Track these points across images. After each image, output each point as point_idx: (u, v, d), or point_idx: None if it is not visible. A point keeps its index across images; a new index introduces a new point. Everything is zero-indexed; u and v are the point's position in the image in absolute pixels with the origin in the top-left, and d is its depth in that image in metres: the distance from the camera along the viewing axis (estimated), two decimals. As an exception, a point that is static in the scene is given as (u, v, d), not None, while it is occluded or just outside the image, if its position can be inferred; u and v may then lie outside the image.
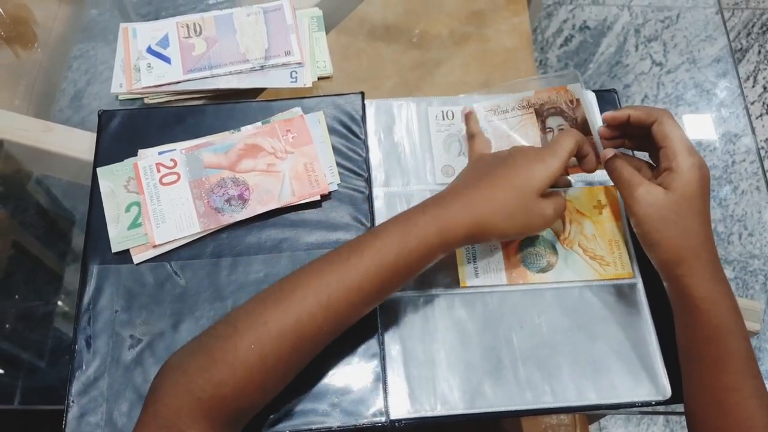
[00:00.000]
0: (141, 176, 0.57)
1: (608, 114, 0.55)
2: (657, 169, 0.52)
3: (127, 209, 0.57)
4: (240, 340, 0.43)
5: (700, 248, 0.49)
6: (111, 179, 0.58)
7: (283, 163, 0.58)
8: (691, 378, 0.49)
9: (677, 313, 0.50)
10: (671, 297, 0.51)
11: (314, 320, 0.44)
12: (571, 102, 0.60)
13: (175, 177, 0.58)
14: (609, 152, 0.55)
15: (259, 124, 0.61)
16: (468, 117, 0.60)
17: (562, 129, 0.61)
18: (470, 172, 0.53)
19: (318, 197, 0.58)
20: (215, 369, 0.42)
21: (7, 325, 0.64)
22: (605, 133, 0.56)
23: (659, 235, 0.49)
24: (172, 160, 0.58)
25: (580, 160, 0.55)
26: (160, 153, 0.59)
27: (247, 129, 0.61)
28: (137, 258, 0.55)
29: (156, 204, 0.56)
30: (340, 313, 0.45)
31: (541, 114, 0.62)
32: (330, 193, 0.58)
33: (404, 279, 0.48)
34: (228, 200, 0.57)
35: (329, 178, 0.59)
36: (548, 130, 0.61)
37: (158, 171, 0.58)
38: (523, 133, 0.61)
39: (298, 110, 0.62)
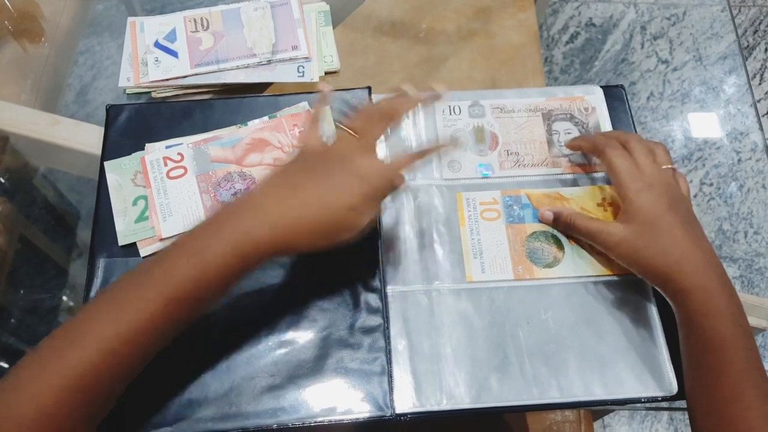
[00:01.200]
0: (148, 170, 0.58)
1: (567, 143, 0.59)
2: None
3: (134, 203, 0.57)
4: (17, 394, 0.39)
5: (682, 263, 0.48)
6: (118, 173, 0.59)
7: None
8: (692, 388, 0.48)
9: (678, 327, 0.50)
10: (675, 313, 0.50)
11: (98, 371, 0.40)
12: (586, 109, 0.61)
13: (182, 171, 0.58)
14: (547, 215, 0.56)
15: (266, 118, 0.61)
16: (320, 98, 0.53)
17: (569, 134, 0.61)
18: (277, 177, 0.47)
19: None
20: None
21: (13, 320, 0.65)
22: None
23: (639, 265, 0.50)
24: (179, 154, 0.58)
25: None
26: (167, 147, 0.59)
27: (254, 123, 0.61)
28: (144, 251, 0.55)
29: (163, 197, 0.57)
30: (132, 356, 0.42)
31: (549, 118, 0.62)
32: None
33: (204, 306, 0.44)
34: (235, 194, 0.57)
35: None
36: (554, 132, 0.61)
37: (165, 165, 0.58)
38: (529, 132, 0.61)
39: (305, 105, 0.62)
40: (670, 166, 0.53)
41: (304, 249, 0.46)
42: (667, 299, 0.50)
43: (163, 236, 0.55)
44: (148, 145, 0.60)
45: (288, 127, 0.60)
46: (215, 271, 0.42)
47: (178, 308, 0.42)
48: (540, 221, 0.56)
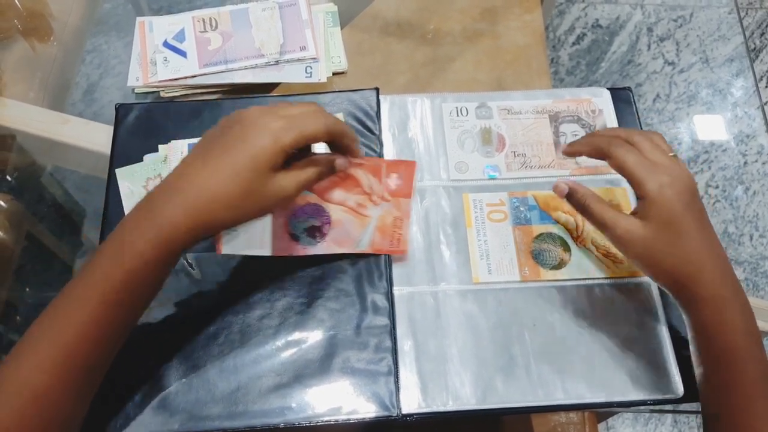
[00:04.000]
0: None
1: (567, 149, 0.53)
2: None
3: (147, 209, 0.57)
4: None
5: (700, 270, 0.45)
6: (130, 180, 0.59)
7: (374, 210, 0.53)
8: (706, 397, 0.47)
9: (688, 333, 0.48)
10: (684, 316, 0.48)
11: (45, 374, 0.39)
12: (593, 111, 0.61)
13: None
14: (562, 187, 0.51)
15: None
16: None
17: (576, 135, 0.61)
18: (192, 152, 0.44)
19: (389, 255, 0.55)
20: None
21: (19, 317, 0.65)
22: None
23: (653, 265, 0.47)
24: None
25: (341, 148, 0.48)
26: (189, 145, 0.59)
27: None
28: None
29: None
30: (80, 357, 0.40)
31: (556, 120, 0.62)
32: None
33: (141, 302, 0.43)
34: (307, 230, 0.53)
35: None
36: (561, 134, 0.61)
37: None
38: (536, 134, 0.61)
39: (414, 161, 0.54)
40: (672, 154, 0.50)
41: (230, 225, 0.44)
42: (678, 305, 0.48)
43: (222, 252, 0.52)
44: (173, 143, 0.60)
45: (385, 173, 0.52)
46: (143, 266, 0.41)
47: (111, 315, 0.41)
48: (552, 220, 0.53)
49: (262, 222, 0.51)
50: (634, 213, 0.48)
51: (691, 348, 0.48)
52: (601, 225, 0.49)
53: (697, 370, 0.48)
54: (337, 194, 0.52)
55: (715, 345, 0.45)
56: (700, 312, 0.45)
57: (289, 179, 0.44)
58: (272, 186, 0.43)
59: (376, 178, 0.51)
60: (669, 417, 1.27)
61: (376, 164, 0.51)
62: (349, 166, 0.49)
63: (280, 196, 0.44)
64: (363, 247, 0.54)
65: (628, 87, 0.65)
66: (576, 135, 0.61)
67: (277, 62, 0.67)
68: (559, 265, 0.56)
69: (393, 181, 0.51)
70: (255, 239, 0.51)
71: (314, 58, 0.68)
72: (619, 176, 0.55)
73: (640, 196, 0.47)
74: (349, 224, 0.53)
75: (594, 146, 0.50)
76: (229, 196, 0.42)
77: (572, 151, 0.52)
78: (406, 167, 0.51)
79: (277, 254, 0.53)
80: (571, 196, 0.51)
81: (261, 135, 0.42)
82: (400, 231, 0.53)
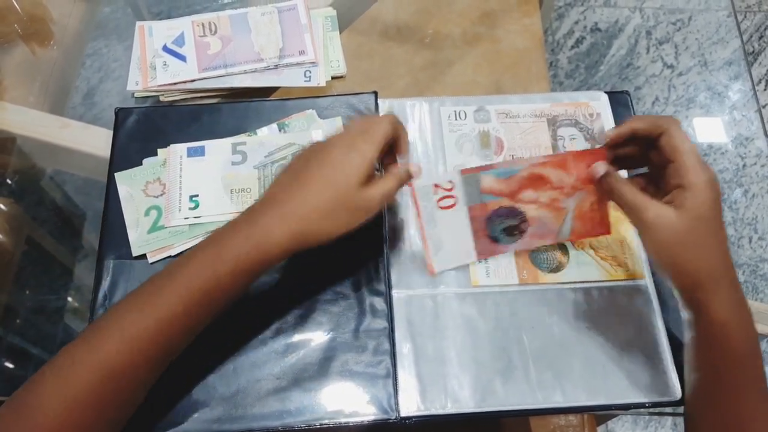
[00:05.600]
0: (418, 198, 0.52)
1: (611, 133, 0.49)
2: (663, 185, 0.48)
3: (146, 213, 0.57)
4: (44, 387, 0.41)
5: (719, 271, 0.45)
6: (129, 184, 0.59)
7: (569, 201, 0.52)
8: (703, 399, 0.47)
9: (695, 336, 0.47)
10: (689, 319, 0.47)
11: (125, 355, 0.42)
12: (591, 115, 0.61)
13: (452, 201, 0.52)
14: (600, 168, 0.49)
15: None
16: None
17: (574, 139, 0.61)
18: (285, 173, 0.49)
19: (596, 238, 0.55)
20: (22, 422, 0.40)
21: (19, 320, 0.65)
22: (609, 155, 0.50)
23: (676, 260, 0.45)
24: (449, 181, 0.52)
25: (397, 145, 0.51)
26: (188, 149, 0.60)
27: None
28: (152, 258, 0.56)
29: (432, 228, 0.53)
30: (156, 348, 0.43)
31: (554, 123, 0.62)
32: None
33: (227, 302, 0.46)
34: (505, 230, 0.54)
35: None
36: (559, 138, 0.62)
37: (435, 192, 0.52)
38: (534, 138, 0.62)
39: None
40: None
41: (324, 237, 0.46)
42: (686, 304, 0.47)
43: (435, 271, 0.55)
44: (171, 146, 0.60)
45: (573, 165, 0.50)
46: (235, 272, 0.44)
47: (199, 309, 0.44)
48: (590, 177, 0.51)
49: (462, 234, 0.53)
50: (666, 202, 0.46)
51: (691, 351, 0.48)
52: (631, 207, 0.47)
53: (694, 373, 0.48)
54: (528, 194, 0.52)
55: (729, 347, 0.45)
56: (711, 311, 0.45)
57: (374, 192, 0.47)
58: (362, 198, 0.46)
59: (565, 171, 0.51)
60: (669, 419, 1.27)
61: (562, 158, 0.50)
62: (598, 174, 0.49)
63: (368, 207, 0.47)
64: (565, 237, 0.54)
65: (626, 90, 0.65)
66: (574, 139, 0.61)
67: (276, 66, 0.68)
68: (557, 268, 0.56)
69: (583, 170, 0.50)
70: (460, 251, 0.54)
71: (313, 62, 0.68)
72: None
73: (678, 185, 0.45)
74: (546, 219, 0.53)
75: (650, 121, 0.48)
76: (325, 208, 0.46)
77: (621, 133, 0.49)
78: (595, 156, 0.50)
79: (481, 258, 0.55)
80: (604, 177, 0.49)
81: (351, 153, 0.47)
82: (600, 213, 0.52)
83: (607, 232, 0.53)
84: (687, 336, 0.48)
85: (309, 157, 0.48)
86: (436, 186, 0.52)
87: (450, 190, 0.52)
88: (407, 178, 0.50)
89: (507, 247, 0.55)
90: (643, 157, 0.50)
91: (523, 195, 0.51)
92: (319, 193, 0.46)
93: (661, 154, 0.47)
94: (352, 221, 0.47)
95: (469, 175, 0.51)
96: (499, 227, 0.53)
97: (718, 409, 0.46)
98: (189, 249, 0.46)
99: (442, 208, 0.52)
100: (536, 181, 0.51)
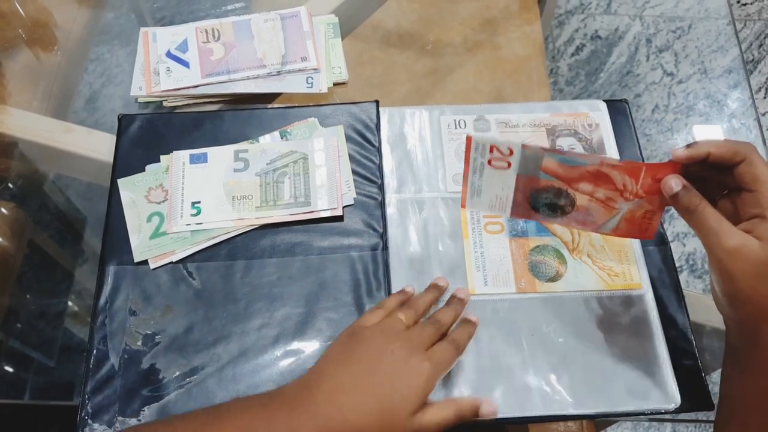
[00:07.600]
0: (472, 148, 0.51)
1: (681, 152, 0.46)
2: (737, 212, 0.46)
3: (149, 219, 0.58)
4: None
5: None
6: (132, 190, 0.59)
7: (624, 204, 0.51)
8: (743, 428, 0.45)
9: (747, 368, 0.45)
10: (741, 349, 0.45)
11: None
12: (590, 126, 0.61)
13: (504, 164, 0.52)
14: (675, 183, 0.46)
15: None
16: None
17: (573, 149, 0.62)
18: (339, 361, 0.45)
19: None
20: None
21: (20, 324, 0.65)
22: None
23: (751, 292, 0.42)
24: (509, 148, 0.51)
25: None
26: (191, 156, 0.60)
27: (265, 139, 0.60)
28: (154, 264, 0.56)
29: (476, 178, 0.53)
30: None
31: (553, 133, 0.62)
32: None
33: None
34: (548, 205, 0.53)
35: (345, 191, 0.59)
36: (558, 147, 0.62)
37: (491, 152, 0.51)
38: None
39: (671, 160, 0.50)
40: None
41: None
42: (742, 335, 0.45)
43: (467, 206, 0.54)
44: (174, 153, 0.61)
45: (644, 175, 0.49)
46: None
47: None
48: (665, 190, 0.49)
49: (504, 192, 0.53)
50: (757, 234, 0.43)
51: (744, 384, 0.46)
52: (711, 232, 0.44)
53: (745, 406, 0.45)
54: (585, 186, 0.51)
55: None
56: None
57: (429, 418, 0.44)
58: (411, 426, 0.43)
59: (633, 178, 0.50)
60: (669, 426, 1.27)
61: (636, 167, 0.49)
62: (672, 190, 0.47)
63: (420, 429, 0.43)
64: (606, 230, 0.53)
65: (625, 99, 0.66)
66: (573, 149, 0.62)
67: (279, 73, 0.68)
68: (555, 277, 0.56)
69: (649, 182, 0.49)
70: (496, 203, 0.53)
71: (315, 69, 0.69)
72: None
73: (761, 216, 0.44)
74: (595, 211, 0.52)
75: (729, 147, 0.45)
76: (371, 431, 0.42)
77: (694, 155, 0.46)
78: (667, 170, 0.49)
79: (514, 217, 0.55)
80: (678, 196, 0.46)
81: (412, 379, 0.43)
82: (650, 221, 0.51)
83: (652, 237, 0.52)
84: (729, 368, 0.47)
85: (361, 362, 0.44)
86: (493, 147, 0.51)
87: (505, 155, 0.51)
88: (471, 415, 0.46)
89: (544, 219, 0.54)
90: (708, 178, 0.48)
91: (581, 186, 0.51)
92: (366, 418, 0.42)
93: (737, 181, 0.45)
94: None
95: (531, 151, 0.50)
96: (543, 201, 0.52)
97: None
98: (208, 416, 0.43)
99: (492, 165, 0.52)
100: (600, 178, 0.50)
